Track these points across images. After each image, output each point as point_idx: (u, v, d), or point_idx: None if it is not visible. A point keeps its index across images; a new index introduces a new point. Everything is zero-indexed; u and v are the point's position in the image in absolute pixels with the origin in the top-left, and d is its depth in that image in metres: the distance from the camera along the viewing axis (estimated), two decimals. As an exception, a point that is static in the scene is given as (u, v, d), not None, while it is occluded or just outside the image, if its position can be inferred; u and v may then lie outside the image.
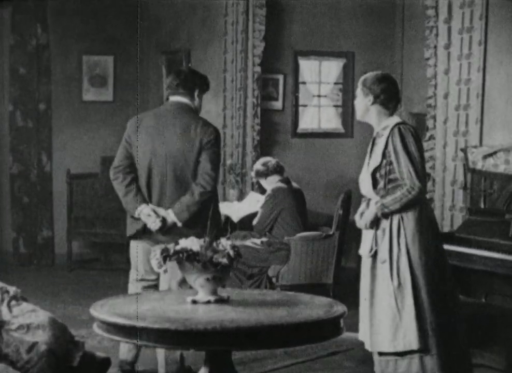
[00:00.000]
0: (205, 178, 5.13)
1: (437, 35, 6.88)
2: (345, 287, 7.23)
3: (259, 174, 7.13)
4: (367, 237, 4.57)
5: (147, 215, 5.15)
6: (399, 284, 4.43)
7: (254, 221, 7.05)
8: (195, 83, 5.30)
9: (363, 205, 4.63)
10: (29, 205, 9.16)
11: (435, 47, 6.90)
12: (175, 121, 5.20)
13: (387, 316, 4.45)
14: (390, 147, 4.46)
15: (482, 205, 5.97)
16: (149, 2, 9.37)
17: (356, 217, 4.64)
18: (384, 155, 4.48)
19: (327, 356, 5.81)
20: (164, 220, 5.14)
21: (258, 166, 7.15)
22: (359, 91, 4.62)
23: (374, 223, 4.50)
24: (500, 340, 5.11)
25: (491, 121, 6.52)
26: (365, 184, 4.60)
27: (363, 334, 4.63)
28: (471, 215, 6.00)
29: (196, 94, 5.30)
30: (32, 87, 9.08)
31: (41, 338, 3.89)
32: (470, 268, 5.57)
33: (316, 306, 4.23)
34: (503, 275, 5.36)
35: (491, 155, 6.20)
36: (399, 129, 4.47)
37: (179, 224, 5.14)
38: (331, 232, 6.92)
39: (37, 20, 9.00)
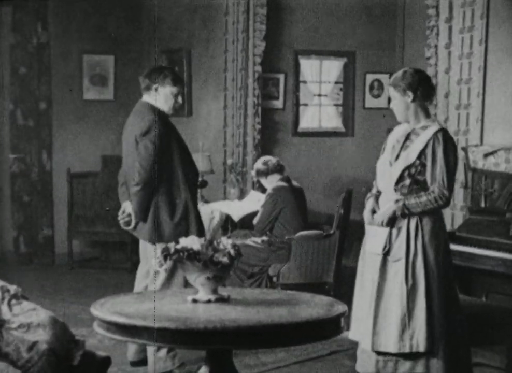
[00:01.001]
0: (134, 172, 5.19)
1: (437, 34, 6.88)
2: (346, 286, 7.23)
3: (259, 173, 7.13)
4: (378, 234, 4.52)
5: (122, 212, 5.37)
6: (413, 284, 4.41)
7: (255, 221, 7.04)
8: (152, 79, 5.30)
9: (371, 201, 4.59)
10: (29, 204, 9.16)
11: (436, 46, 6.91)
12: (131, 120, 5.33)
13: (395, 316, 4.41)
14: (429, 150, 4.44)
15: (482, 205, 5.97)
16: (150, 1, 9.37)
17: (366, 213, 4.59)
18: (419, 156, 4.46)
19: (327, 355, 5.81)
20: (130, 216, 5.32)
21: (258, 165, 7.14)
22: (393, 92, 4.53)
23: (391, 221, 4.48)
24: (500, 339, 5.11)
25: (491, 120, 6.51)
26: (385, 178, 4.55)
27: (357, 333, 4.60)
28: (472, 214, 6.00)
29: (154, 87, 5.28)
30: (32, 86, 9.08)
31: (42, 337, 3.89)
32: (470, 267, 5.57)
33: (316, 306, 4.23)
34: (504, 274, 5.36)
35: (491, 154, 6.20)
36: (444, 136, 4.46)
37: (133, 217, 5.30)
38: (332, 231, 6.92)
39: (37, 19, 9.00)
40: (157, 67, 5.44)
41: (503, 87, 6.44)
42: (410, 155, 4.47)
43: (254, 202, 7.52)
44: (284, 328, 3.88)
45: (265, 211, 6.95)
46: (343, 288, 6.98)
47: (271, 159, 7.16)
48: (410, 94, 4.50)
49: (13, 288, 4.14)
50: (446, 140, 4.45)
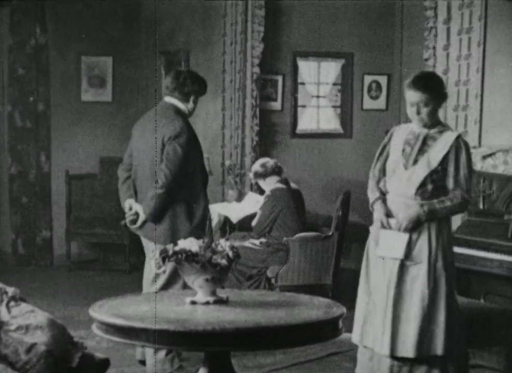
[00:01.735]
0: (159, 174, 5.20)
1: (436, 36, 6.88)
2: (345, 288, 7.23)
3: (257, 175, 7.13)
4: (397, 238, 4.46)
5: (129, 209, 5.35)
6: (434, 287, 4.40)
7: (253, 223, 7.04)
8: (192, 88, 5.36)
9: (380, 205, 4.54)
10: (28, 206, 9.15)
11: (434, 48, 6.91)
12: (154, 119, 5.31)
13: (415, 320, 4.38)
14: (452, 155, 4.44)
15: (481, 206, 5.97)
16: (148, 2, 9.37)
17: (381, 217, 4.50)
18: (442, 161, 4.45)
19: (326, 357, 5.81)
20: (137, 214, 5.30)
21: (256, 167, 7.14)
22: (426, 99, 4.46)
23: (415, 226, 4.45)
24: (498, 341, 5.11)
25: (489, 122, 6.52)
26: (402, 181, 4.51)
27: (365, 338, 4.55)
28: (470, 216, 6.00)
29: (191, 99, 5.36)
30: (31, 88, 9.08)
31: (40, 338, 3.89)
32: (469, 269, 5.57)
33: (315, 307, 4.23)
34: (502, 276, 5.36)
35: (489, 155, 6.21)
36: (464, 141, 4.50)
37: (143, 217, 5.28)
38: (330, 233, 6.92)
39: (35, 20, 9.00)
40: (195, 74, 5.51)
41: (501, 89, 6.44)
42: (432, 161, 4.45)
43: (253, 204, 7.52)
44: (282, 330, 3.88)
45: (263, 213, 6.95)
46: (341, 290, 6.99)
47: (269, 161, 7.16)
48: (440, 99, 4.51)
49: (11, 290, 4.14)
50: (467, 145, 4.49)
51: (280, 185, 7.02)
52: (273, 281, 6.76)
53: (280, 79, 8.74)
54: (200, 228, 5.26)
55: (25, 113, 9.08)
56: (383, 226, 4.50)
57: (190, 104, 5.37)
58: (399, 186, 4.52)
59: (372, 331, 4.52)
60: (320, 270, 6.86)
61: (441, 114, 6.85)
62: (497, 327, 5.04)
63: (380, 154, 4.71)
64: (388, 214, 4.52)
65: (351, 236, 8.18)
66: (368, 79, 8.92)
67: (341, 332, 4.11)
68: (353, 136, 8.99)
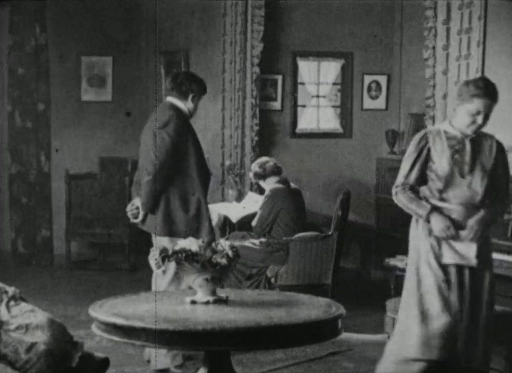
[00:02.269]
0: (148, 162, 5.30)
1: (435, 36, 6.88)
2: (344, 287, 7.23)
3: (257, 176, 7.13)
4: (469, 246, 4.41)
5: (131, 204, 5.46)
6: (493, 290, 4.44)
7: (253, 223, 7.04)
8: (190, 88, 5.45)
9: (443, 216, 4.40)
10: (27, 206, 9.15)
11: (434, 48, 6.91)
12: (152, 118, 5.42)
13: (485, 328, 4.40)
14: (500, 160, 4.46)
15: (481, 206, 5.96)
16: (148, 2, 9.37)
17: (451, 228, 4.39)
18: (493, 166, 4.45)
19: (325, 357, 5.81)
20: (138, 209, 5.40)
21: (256, 168, 7.14)
22: (493, 106, 4.46)
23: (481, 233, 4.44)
24: (499, 341, 5.10)
25: (489, 122, 6.51)
26: (465, 191, 4.43)
27: (421, 349, 4.38)
28: (470, 215, 5.99)
29: (190, 97, 5.43)
30: (31, 88, 9.08)
31: (40, 338, 3.89)
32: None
33: (315, 307, 4.23)
34: (502, 275, 5.36)
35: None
36: (502, 144, 4.53)
37: (141, 209, 5.36)
38: (330, 233, 6.92)
39: (35, 20, 8.99)
40: (193, 74, 5.64)
41: (501, 89, 6.43)
42: (486, 166, 4.43)
43: (252, 203, 7.52)
44: (282, 329, 3.88)
45: (263, 213, 6.95)
46: (341, 289, 6.99)
47: (269, 161, 7.15)
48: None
49: (11, 290, 4.14)
50: (504, 147, 4.53)
51: (280, 185, 7.02)
52: (273, 280, 6.76)
53: (279, 78, 8.74)
54: (196, 220, 5.29)
55: (25, 113, 9.08)
56: (449, 236, 4.40)
57: (190, 103, 5.45)
58: (461, 194, 4.41)
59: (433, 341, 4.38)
60: (320, 270, 6.86)
61: (440, 113, 6.86)
62: (497, 327, 5.04)
63: (415, 161, 4.49)
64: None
65: (351, 236, 8.20)
66: (368, 79, 8.92)
67: (340, 332, 4.11)
68: (352, 136, 8.99)
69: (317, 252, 6.83)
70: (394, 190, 4.52)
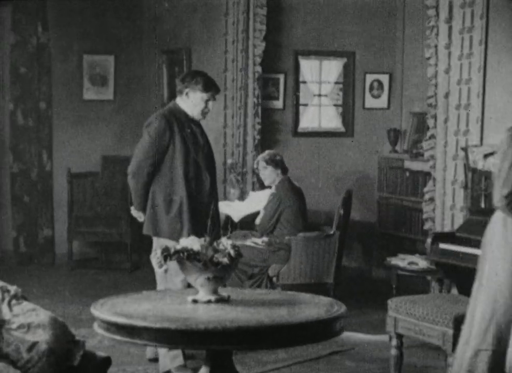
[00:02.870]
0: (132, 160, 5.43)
1: (437, 35, 6.87)
2: (346, 286, 7.24)
3: (271, 161, 7.02)
4: None
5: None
6: None
7: (257, 221, 7.04)
8: (185, 84, 5.38)
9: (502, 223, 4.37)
10: (29, 205, 9.16)
11: (436, 46, 6.90)
12: None
13: None
14: None
15: (482, 205, 5.96)
16: (150, 1, 9.37)
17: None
18: None
19: (327, 356, 5.81)
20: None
21: (271, 155, 7.07)
22: None
23: None
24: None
25: (491, 120, 6.51)
26: None
27: None
28: (472, 214, 5.99)
29: (185, 93, 5.35)
30: (33, 86, 9.08)
31: (42, 337, 3.88)
32: (470, 268, 5.56)
33: (316, 306, 4.23)
34: (504, 275, 5.34)
35: (491, 154, 6.19)
36: None
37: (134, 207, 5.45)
38: (332, 232, 6.92)
39: (37, 19, 9.00)
40: (192, 71, 5.65)
41: (503, 88, 6.44)
42: None
43: (255, 202, 7.52)
44: (284, 328, 3.88)
45: (268, 213, 6.94)
46: (343, 288, 6.99)
47: (279, 156, 7.13)
48: None
49: (13, 289, 4.13)
50: None
51: (285, 184, 6.99)
52: (274, 279, 6.76)
53: (281, 77, 8.74)
54: (178, 221, 5.28)
55: (27, 112, 9.09)
56: None
57: (188, 101, 5.37)
58: None
59: None
60: (322, 269, 6.86)
61: (442, 112, 6.86)
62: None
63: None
64: None
65: (353, 235, 8.19)
66: (369, 78, 8.92)
67: (342, 331, 4.11)
68: (354, 135, 8.98)
69: (319, 251, 6.83)
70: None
